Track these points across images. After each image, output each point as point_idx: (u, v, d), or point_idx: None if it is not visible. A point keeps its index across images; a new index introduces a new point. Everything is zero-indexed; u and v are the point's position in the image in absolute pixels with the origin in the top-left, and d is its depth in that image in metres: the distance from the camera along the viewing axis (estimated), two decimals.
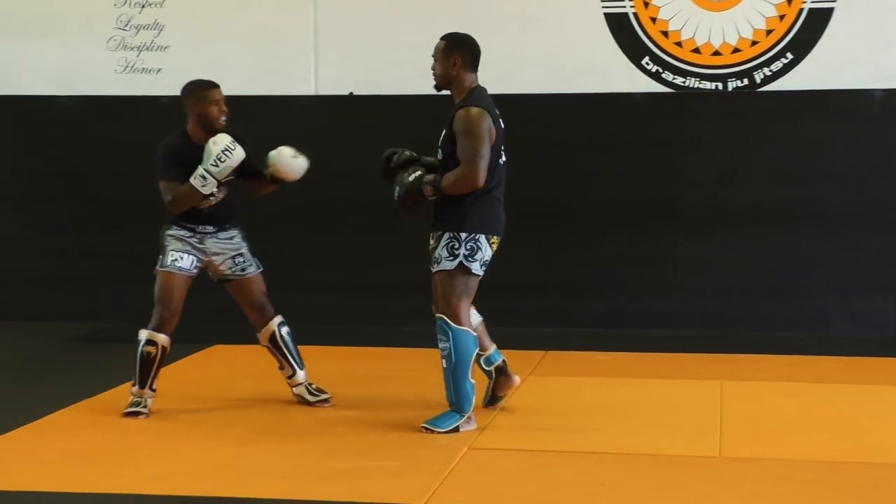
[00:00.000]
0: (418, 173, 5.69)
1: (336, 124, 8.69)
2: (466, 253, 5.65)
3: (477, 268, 5.71)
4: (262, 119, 8.66)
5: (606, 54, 8.44)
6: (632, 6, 8.39)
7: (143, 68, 8.76)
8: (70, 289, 8.82)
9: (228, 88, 8.54)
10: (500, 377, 6.15)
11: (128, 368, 6.99)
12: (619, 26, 8.43)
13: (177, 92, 8.59)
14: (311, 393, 6.32)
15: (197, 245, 6.11)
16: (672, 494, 4.90)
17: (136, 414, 5.98)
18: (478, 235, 5.67)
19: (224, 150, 5.89)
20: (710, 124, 8.45)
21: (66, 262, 8.82)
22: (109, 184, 8.74)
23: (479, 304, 8.69)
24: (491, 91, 8.46)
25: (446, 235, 5.66)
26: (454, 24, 8.48)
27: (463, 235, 5.64)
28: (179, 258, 6.06)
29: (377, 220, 8.62)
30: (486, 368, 6.13)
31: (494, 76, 8.46)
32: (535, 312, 8.58)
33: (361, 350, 7.83)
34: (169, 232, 6.11)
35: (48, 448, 5.51)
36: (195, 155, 5.93)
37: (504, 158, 5.85)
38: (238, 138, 6.01)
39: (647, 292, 8.53)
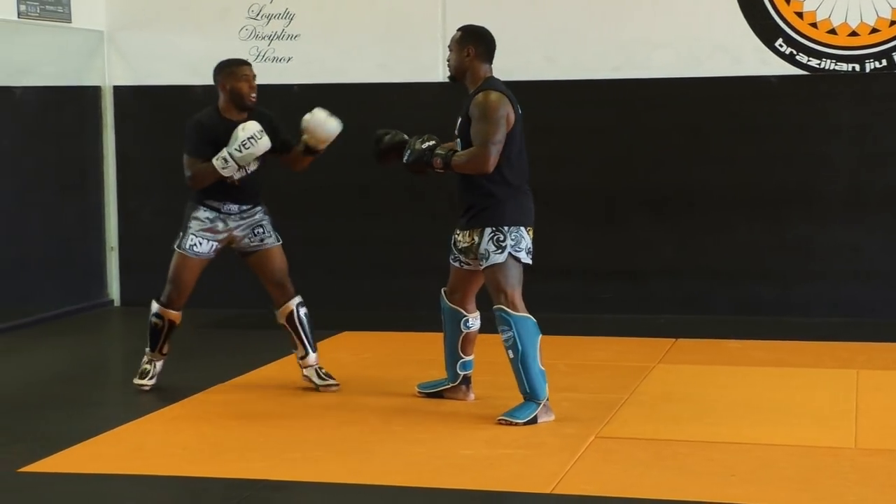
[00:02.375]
0: (432, 143, 5.76)
1: (440, 110, 8.67)
2: (513, 243, 5.68)
3: (524, 256, 5.74)
4: (390, 106, 8.72)
5: (739, 37, 8.28)
6: None
7: (274, 57, 8.88)
8: (205, 275, 8.98)
9: (357, 76, 8.76)
10: (462, 385, 6.12)
11: (261, 354, 7.16)
12: (752, 8, 8.26)
13: (308, 80, 8.79)
14: (319, 377, 6.35)
15: (219, 227, 6.22)
16: (804, 486, 4.80)
17: (142, 387, 6.31)
18: (519, 227, 5.71)
19: (250, 138, 5.96)
20: (847, 107, 8.24)
21: None
22: None
23: (612, 287, 8.69)
24: (620, 75, 8.48)
25: (488, 230, 5.68)
26: (583, 8, 8.50)
27: (506, 228, 5.67)
28: (198, 243, 6.20)
29: None
30: (459, 372, 6.11)
31: (624, 59, 8.45)
32: (667, 299, 8.48)
33: (489, 337, 7.80)
34: (194, 213, 6.21)
35: (181, 433, 5.63)
36: (225, 132, 6.04)
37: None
38: (265, 117, 6.16)
39: (782, 278, 8.37)
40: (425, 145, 5.76)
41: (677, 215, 8.47)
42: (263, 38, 8.86)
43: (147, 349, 6.38)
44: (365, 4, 8.78)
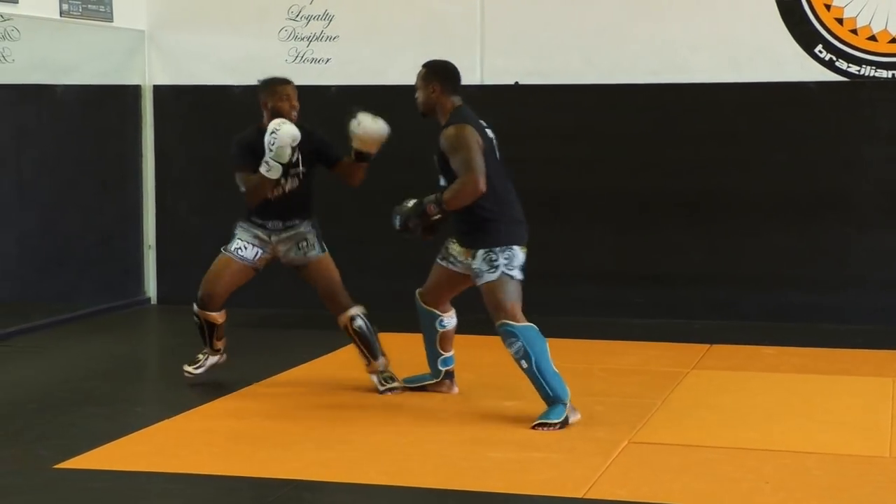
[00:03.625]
0: (414, 200, 5.82)
1: (502, 114, 8.69)
2: (505, 262, 5.75)
3: (518, 273, 5.79)
4: None
5: (778, 42, 8.25)
6: None
7: (313, 58, 8.93)
8: None
9: (396, 78, 8.78)
10: (445, 380, 6.31)
11: (299, 353, 7.20)
12: (792, 14, 8.23)
13: (346, 81, 8.82)
14: (381, 382, 6.40)
15: (264, 238, 6.32)
16: (838, 494, 4.79)
17: (186, 372, 6.48)
18: (511, 246, 5.78)
19: (271, 133, 6.02)
20: (885, 114, 8.19)
21: None
22: None
23: (645, 292, 8.68)
24: (658, 79, 8.46)
25: (481, 252, 5.77)
26: (622, 11, 8.48)
27: (497, 249, 5.76)
28: (244, 247, 6.31)
29: (542, 208, 8.62)
30: (440, 368, 6.27)
31: (662, 63, 8.43)
32: (701, 304, 8.47)
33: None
34: (241, 224, 6.36)
35: (217, 431, 5.67)
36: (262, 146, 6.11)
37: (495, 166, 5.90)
38: (310, 134, 6.20)
39: (817, 285, 8.33)
40: (410, 203, 5.85)
41: (711, 220, 8.45)
42: (302, 38, 8.91)
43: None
44: (403, 6, 8.81)
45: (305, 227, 6.36)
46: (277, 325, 8.36)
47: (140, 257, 9.21)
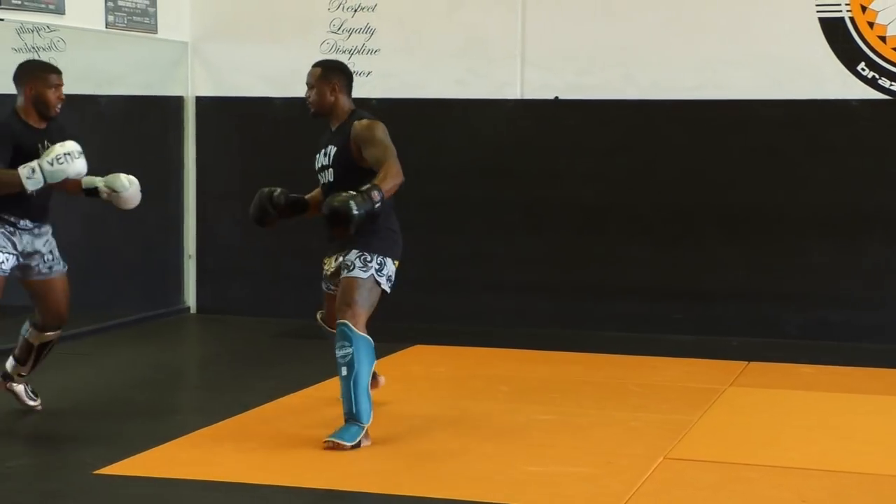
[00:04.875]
0: (352, 192, 5.36)
1: (541, 128, 8.72)
2: (377, 268, 5.60)
3: (385, 283, 5.63)
4: (466, 122, 8.78)
5: (820, 59, 8.22)
6: (848, 11, 8.15)
7: (354, 71, 8.85)
8: (283, 286, 9.10)
9: (436, 91, 8.82)
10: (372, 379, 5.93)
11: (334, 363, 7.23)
12: (835, 31, 8.20)
13: (387, 94, 8.86)
14: (28, 395, 6.15)
15: (16, 243, 5.78)
16: None
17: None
18: (386, 257, 5.64)
19: (67, 154, 5.58)
20: None
21: (279, 260, 9.09)
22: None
23: (683, 307, 8.65)
24: (699, 96, 8.44)
25: (355, 251, 5.58)
26: (662, 27, 8.48)
27: (373, 255, 5.60)
28: (6, 260, 5.72)
29: (581, 223, 8.63)
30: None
31: (703, 79, 8.42)
32: (740, 321, 8.43)
33: (561, 355, 7.83)
34: None
35: (253, 440, 5.69)
36: (25, 136, 5.68)
37: None
38: (65, 130, 5.83)
39: (857, 303, 8.27)
40: (353, 199, 5.31)
41: (752, 236, 8.41)
42: (344, 52, 8.96)
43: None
44: (444, 21, 8.85)
45: (51, 236, 5.93)
46: (315, 336, 8.37)
47: (181, 267, 9.28)
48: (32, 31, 8.81)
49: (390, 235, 5.68)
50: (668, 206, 8.54)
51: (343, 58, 8.94)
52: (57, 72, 5.82)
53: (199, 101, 9.24)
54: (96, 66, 9.14)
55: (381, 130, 5.61)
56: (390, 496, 4.91)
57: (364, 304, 5.54)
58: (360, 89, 8.89)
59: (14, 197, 5.63)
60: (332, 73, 5.78)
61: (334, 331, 5.66)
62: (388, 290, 5.68)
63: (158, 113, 9.26)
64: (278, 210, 5.90)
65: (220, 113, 9.24)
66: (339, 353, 5.48)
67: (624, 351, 7.87)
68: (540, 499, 4.88)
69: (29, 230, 5.79)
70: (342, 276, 5.61)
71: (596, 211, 8.63)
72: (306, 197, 6.03)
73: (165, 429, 5.80)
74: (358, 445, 5.45)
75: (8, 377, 6.09)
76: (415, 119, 8.82)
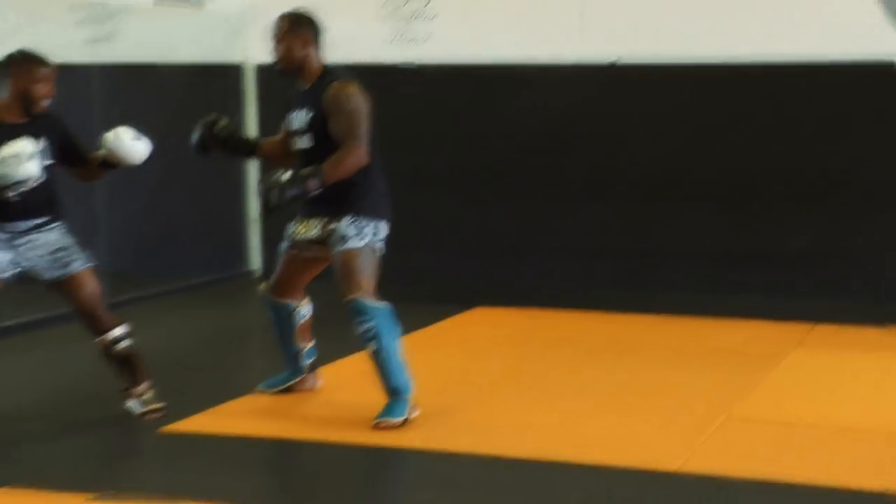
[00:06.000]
0: (289, 172, 5.14)
1: (601, 94, 8.67)
2: (372, 233, 5.27)
3: (381, 248, 5.34)
4: (526, 86, 8.74)
5: (886, 20, 8.09)
6: None
7: (412, 37, 8.97)
8: None
9: (494, 56, 8.78)
10: (309, 375, 5.79)
11: (405, 325, 7.25)
12: None
13: (445, 60, 8.85)
14: (141, 405, 5.46)
15: (10, 246, 5.21)
16: None
17: None
18: (379, 220, 5.32)
19: (14, 157, 5.04)
20: None
21: None
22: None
23: (751, 272, 8.57)
24: (764, 59, 8.32)
25: (347, 217, 5.24)
26: None
27: (367, 218, 5.27)
28: None
29: (644, 187, 8.58)
30: (303, 363, 5.74)
31: (767, 42, 8.29)
32: (806, 283, 8.35)
33: (625, 317, 7.80)
34: None
35: (317, 398, 5.72)
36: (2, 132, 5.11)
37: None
38: (57, 125, 5.34)
39: None
40: (284, 177, 5.11)
41: (819, 199, 8.30)
42: (402, 17, 8.95)
43: None
44: None
45: (58, 233, 5.31)
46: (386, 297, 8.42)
47: (244, 231, 9.38)
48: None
49: (380, 198, 5.33)
50: (732, 169, 8.44)
51: (401, 24, 8.96)
52: (46, 64, 5.24)
53: (259, 68, 9.29)
54: (156, 36, 9.20)
55: (353, 99, 5.18)
56: (450, 454, 4.93)
57: (367, 274, 5.22)
58: (418, 55, 8.93)
59: None
60: (301, 27, 5.34)
61: (282, 300, 5.53)
62: (381, 253, 5.35)
63: (219, 80, 9.32)
64: (215, 142, 5.55)
65: (278, 79, 9.24)
66: (360, 329, 5.19)
67: (690, 313, 7.83)
68: (600, 457, 4.88)
69: (24, 232, 5.21)
70: (337, 248, 5.24)
71: (659, 175, 8.57)
72: (263, 140, 5.79)
73: (229, 388, 5.85)
74: (408, 419, 5.20)
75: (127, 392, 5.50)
76: (473, 85, 8.80)
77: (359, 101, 5.20)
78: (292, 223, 5.50)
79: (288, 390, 5.74)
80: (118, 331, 5.41)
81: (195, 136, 5.60)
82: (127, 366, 5.42)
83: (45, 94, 5.21)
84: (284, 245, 5.53)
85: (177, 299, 8.48)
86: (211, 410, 5.51)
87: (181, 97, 9.31)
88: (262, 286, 5.71)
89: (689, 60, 8.46)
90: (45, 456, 4.97)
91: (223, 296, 8.76)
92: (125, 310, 7.67)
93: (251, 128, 9.34)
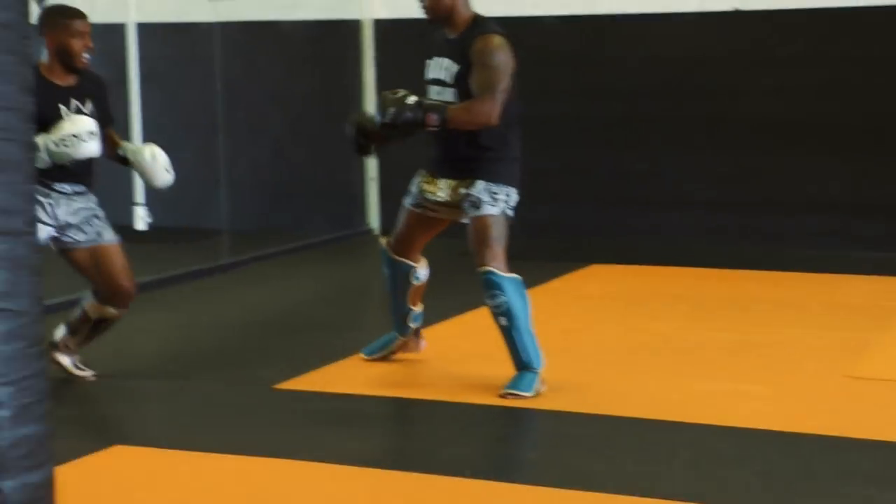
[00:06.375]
0: (415, 98, 4.97)
1: (720, 42, 8.49)
2: (505, 199, 5.11)
3: (512, 214, 5.17)
4: (645, 37, 8.61)
5: None
6: None
7: None
8: None
9: (610, 7, 8.67)
10: (412, 338, 5.66)
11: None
12: None
13: (562, 11, 8.75)
14: (77, 367, 5.45)
15: (49, 211, 5.14)
16: None
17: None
18: (511, 187, 5.14)
19: (75, 136, 4.95)
20: None
21: None
22: None
23: (873, 226, 8.35)
24: (885, 1, 8.05)
25: (481, 182, 5.09)
26: None
27: (500, 184, 5.11)
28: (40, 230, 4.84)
29: (768, 137, 8.41)
30: (410, 325, 5.60)
31: None
32: None
33: (743, 273, 7.67)
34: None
35: (431, 358, 5.73)
36: (46, 96, 4.92)
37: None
38: (98, 84, 5.27)
39: None
40: (410, 100, 4.97)
41: None
42: None
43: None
44: None
45: (93, 200, 5.28)
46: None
47: (363, 189, 9.44)
48: None
49: (514, 164, 5.17)
50: (858, 119, 8.22)
51: None
52: (82, 16, 5.12)
53: (378, 23, 9.31)
54: None
55: (499, 54, 4.97)
56: (561, 412, 4.93)
57: (501, 242, 5.09)
58: (536, 7, 8.85)
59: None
60: None
61: (401, 258, 5.43)
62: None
63: (338, 36, 9.37)
64: (379, 137, 5.26)
65: (397, 35, 9.28)
66: (491, 302, 5.06)
67: (811, 269, 7.67)
68: (713, 417, 4.83)
69: (66, 195, 5.17)
70: (470, 214, 5.12)
71: (781, 125, 8.38)
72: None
73: (345, 346, 5.89)
74: (536, 394, 5.07)
75: (55, 346, 5.38)
76: (590, 36, 8.70)
77: (505, 57, 4.99)
78: (416, 178, 5.38)
79: (391, 353, 5.65)
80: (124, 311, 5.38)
81: (350, 137, 5.31)
82: (96, 331, 5.38)
83: (83, 48, 5.09)
84: (408, 201, 5.40)
85: (296, 257, 8.60)
86: (325, 368, 5.57)
87: (303, 53, 9.40)
88: (384, 241, 5.63)
89: (813, 5, 8.23)
90: (161, 414, 5.11)
91: (342, 253, 8.85)
92: (248, 266, 7.84)
93: (369, 84, 9.38)
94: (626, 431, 4.74)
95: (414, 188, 5.38)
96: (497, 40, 5.01)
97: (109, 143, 5.31)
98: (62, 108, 5.09)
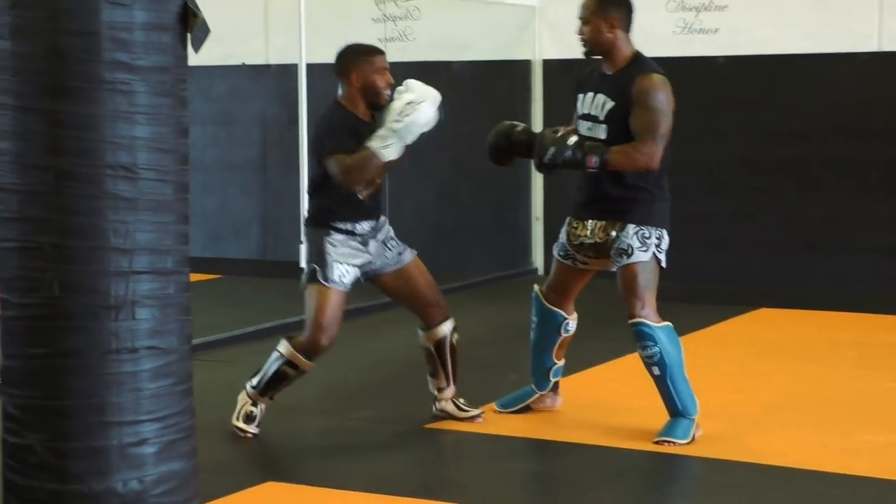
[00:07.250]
0: (575, 138, 4.91)
1: None
2: (657, 243, 4.98)
3: (664, 260, 5.02)
4: (821, 78, 8.42)
5: None
6: None
7: (701, 28, 8.79)
8: None
9: (787, 46, 8.51)
10: (551, 393, 5.50)
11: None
12: None
13: (734, 52, 8.62)
14: (458, 409, 5.40)
15: (360, 251, 5.15)
16: None
17: (245, 433, 5.19)
18: (662, 229, 5.01)
19: (408, 104, 4.83)
20: None
21: None
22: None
23: None
24: None
25: (632, 227, 4.97)
26: None
27: (652, 228, 4.98)
28: (346, 273, 5.09)
29: None
30: (551, 379, 5.46)
31: None
32: None
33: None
34: (329, 239, 5.07)
35: (586, 399, 5.71)
36: (361, 129, 4.98)
37: None
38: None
39: None
40: (570, 140, 4.90)
41: None
42: (690, 9, 8.80)
43: (252, 389, 5.22)
44: None
45: (387, 225, 5.30)
46: (664, 297, 8.33)
47: (528, 229, 9.45)
48: (387, 0, 9.19)
49: (665, 206, 5.05)
50: None
51: (689, 15, 8.81)
52: (382, 53, 5.15)
53: (546, 63, 9.33)
54: (449, 33, 9.41)
55: (662, 95, 4.88)
56: (716, 460, 4.83)
57: (651, 289, 4.99)
58: (708, 47, 8.75)
59: (345, 201, 5.05)
60: (609, 7, 4.97)
61: (554, 308, 5.32)
62: (664, 265, 5.06)
63: (507, 77, 9.43)
64: (515, 151, 5.22)
65: (566, 75, 9.27)
66: (644, 353, 4.98)
67: (869, 310, 7.39)
68: (875, 470, 4.67)
69: (368, 233, 5.18)
70: (620, 261, 5.00)
71: None
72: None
73: (500, 387, 5.87)
74: (692, 440, 4.97)
75: (436, 399, 5.42)
76: (764, 77, 8.56)
77: (666, 98, 4.90)
78: (564, 228, 5.27)
79: (526, 409, 5.50)
80: (451, 323, 5.35)
81: (491, 145, 5.30)
82: (452, 361, 5.34)
83: (386, 85, 5.06)
84: (557, 251, 5.31)
85: (462, 296, 8.62)
86: (481, 407, 5.53)
87: (472, 93, 9.48)
88: (538, 288, 5.48)
89: (883, 48, 7.97)
90: (315, 451, 5.17)
91: (506, 293, 8.85)
92: (400, 307, 7.90)
93: (537, 123, 9.40)
94: (783, 482, 4.61)
95: (562, 237, 5.28)
96: (658, 79, 4.92)
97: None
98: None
